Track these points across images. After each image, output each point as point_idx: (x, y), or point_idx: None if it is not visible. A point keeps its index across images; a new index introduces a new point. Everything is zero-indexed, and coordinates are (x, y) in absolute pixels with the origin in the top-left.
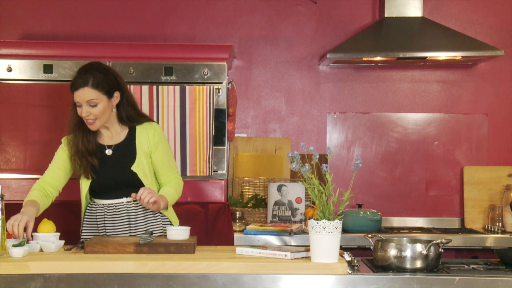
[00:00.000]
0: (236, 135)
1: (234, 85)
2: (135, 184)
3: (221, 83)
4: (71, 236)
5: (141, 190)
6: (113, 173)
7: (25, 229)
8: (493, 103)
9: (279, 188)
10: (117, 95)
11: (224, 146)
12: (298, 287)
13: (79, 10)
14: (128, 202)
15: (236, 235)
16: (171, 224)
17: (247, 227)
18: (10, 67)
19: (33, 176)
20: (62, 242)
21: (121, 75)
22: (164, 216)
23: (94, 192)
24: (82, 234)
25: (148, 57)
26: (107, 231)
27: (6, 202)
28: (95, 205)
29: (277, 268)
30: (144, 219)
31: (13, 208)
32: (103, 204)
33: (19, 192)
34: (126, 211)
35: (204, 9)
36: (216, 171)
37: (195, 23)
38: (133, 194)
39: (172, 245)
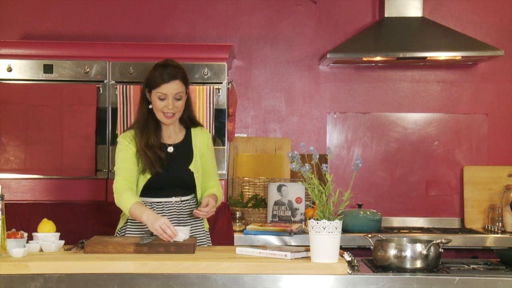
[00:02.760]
0: (236, 135)
1: (234, 85)
2: (188, 183)
3: (221, 83)
4: (71, 236)
5: (209, 205)
6: (173, 170)
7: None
8: (493, 103)
9: (279, 188)
10: (188, 92)
11: (224, 146)
12: (298, 287)
13: (79, 10)
14: (177, 202)
15: (236, 235)
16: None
17: (247, 227)
18: (10, 67)
19: (33, 176)
20: (62, 242)
21: (122, 75)
22: (202, 220)
23: (148, 189)
24: (127, 231)
25: (148, 57)
26: None
27: (6, 202)
28: (143, 203)
29: (277, 268)
30: (190, 219)
31: (13, 208)
32: (152, 202)
33: (19, 192)
34: (175, 211)
35: (204, 9)
36: None
37: (195, 23)
38: (199, 209)
39: (172, 245)
